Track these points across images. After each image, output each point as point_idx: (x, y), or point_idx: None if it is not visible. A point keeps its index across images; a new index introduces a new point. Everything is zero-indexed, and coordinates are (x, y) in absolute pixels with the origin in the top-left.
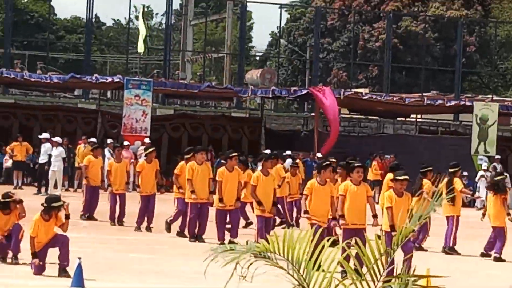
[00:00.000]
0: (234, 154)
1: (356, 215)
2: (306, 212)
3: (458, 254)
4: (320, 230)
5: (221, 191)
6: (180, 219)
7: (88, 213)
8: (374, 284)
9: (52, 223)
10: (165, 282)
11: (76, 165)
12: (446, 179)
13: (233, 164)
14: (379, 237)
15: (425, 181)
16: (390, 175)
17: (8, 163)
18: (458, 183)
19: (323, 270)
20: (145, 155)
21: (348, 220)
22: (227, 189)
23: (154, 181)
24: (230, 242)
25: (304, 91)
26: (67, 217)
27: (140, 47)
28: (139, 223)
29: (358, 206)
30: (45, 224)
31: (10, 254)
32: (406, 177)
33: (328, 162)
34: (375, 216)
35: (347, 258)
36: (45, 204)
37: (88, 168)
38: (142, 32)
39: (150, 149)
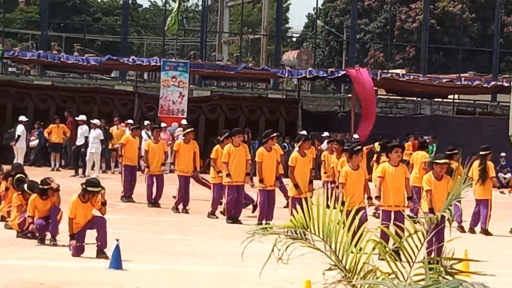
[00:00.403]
0: (274, 134)
1: (394, 196)
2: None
3: (490, 234)
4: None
5: (261, 172)
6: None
7: (129, 193)
8: (410, 265)
9: (90, 206)
10: (202, 263)
11: (110, 146)
12: (477, 162)
13: (272, 144)
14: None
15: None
16: (421, 153)
17: (33, 142)
18: (491, 168)
19: (359, 250)
20: (183, 135)
21: (386, 202)
22: (267, 170)
23: (191, 162)
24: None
25: (341, 73)
26: (103, 203)
27: (169, 30)
28: (177, 203)
29: (396, 187)
30: (83, 205)
31: (49, 235)
32: (446, 160)
33: (359, 147)
34: (409, 198)
35: (384, 239)
36: (84, 186)
37: (125, 147)
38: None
39: (188, 129)
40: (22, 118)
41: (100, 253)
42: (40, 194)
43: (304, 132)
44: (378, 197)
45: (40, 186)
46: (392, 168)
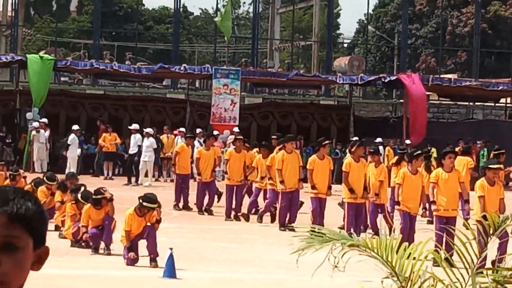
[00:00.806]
0: (326, 142)
1: (448, 202)
2: (397, 203)
3: None
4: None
5: (312, 180)
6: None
7: (182, 202)
8: (468, 273)
9: (145, 220)
10: (256, 271)
11: (161, 155)
12: None
13: (324, 152)
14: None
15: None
16: (466, 158)
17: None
18: None
19: (414, 258)
20: (233, 143)
21: (439, 207)
22: (319, 177)
23: (241, 171)
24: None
25: (393, 78)
26: (158, 221)
27: (225, 29)
28: (227, 213)
29: (450, 193)
30: (138, 219)
31: (103, 245)
32: (500, 165)
33: (419, 152)
34: (467, 201)
35: (441, 245)
36: (141, 201)
37: (179, 155)
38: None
39: (237, 137)
40: (75, 127)
41: (152, 262)
42: (94, 204)
43: (355, 138)
44: (433, 202)
45: (94, 196)
46: (445, 174)
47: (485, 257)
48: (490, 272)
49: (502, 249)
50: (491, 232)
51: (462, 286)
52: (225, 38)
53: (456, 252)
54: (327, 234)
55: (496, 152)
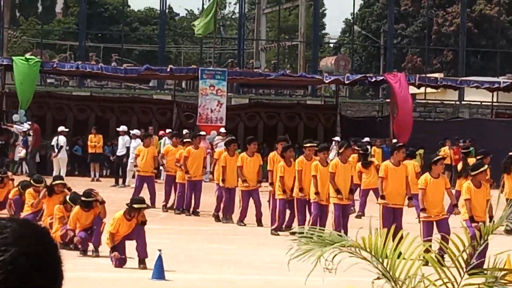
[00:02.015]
0: (346, 144)
1: (434, 208)
2: (382, 197)
3: None
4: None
5: (300, 181)
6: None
7: (171, 202)
8: (460, 276)
9: (133, 223)
10: (245, 272)
11: None
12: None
13: (347, 156)
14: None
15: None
16: (408, 162)
17: (21, 153)
18: None
19: (404, 258)
20: (226, 147)
21: (428, 213)
22: (306, 179)
23: (235, 175)
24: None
25: (379, 78)
26: (143, 223)
27: (205, 29)
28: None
29: (436, 198)
30: (127, 223)
31: (91, 246)
32: (486, 167)
33: (401, 144)
34: (455, 205)
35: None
36: (130, 205)
37: (167, 156)
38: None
39: (229, 139)
40: (62, 128)
41: (141, 263)
42: (84, 207)
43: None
44: (423, 210)
45: (84, 199)
46: (432, 179)
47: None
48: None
49: (481, 254)
50: (484, 236)
51: (455, 287)
52: (197, 33)
53: (449, 254)
54: (322, 237)
55: (480, 157)
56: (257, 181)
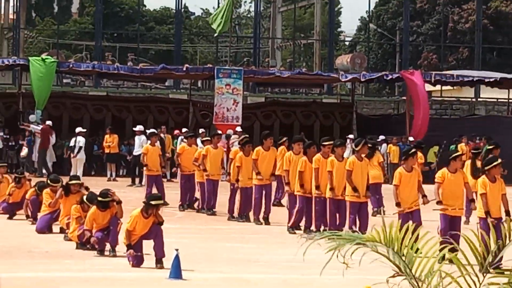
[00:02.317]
0: (362, 141)
1: (453, 203)
2: (398, 204)
3: None
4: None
5: (317, 179)
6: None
7: (187, 202)
8: (483, 275)
9: (150, 221)
10: (264, 271)
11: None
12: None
13: (363, 153)
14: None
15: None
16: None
17: (23, 152)
18: None
19: (420, 255)
20: (241, 147)
21: (446, 206)
22: (323, 176)
23: (250, 173)
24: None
25: (395, 75)
26: (160, 223)
27: (220, 27)
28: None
29: (455, 193)
30: (144, 221)
31: (108, 246)
32: (500, 161)
33: (414, 150)
34: (472, 200)
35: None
36: (146, 202)
37: (181, 156)
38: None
39: (245, 140)
40: (80, 129)
41: (158, 263)
42: (100, 207)
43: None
44: (439, 202)
45: (100, 199)
46: (450, 174)
47: (501, 258)
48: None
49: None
50: (508, 236)
51: (477, 286)
52: (216, 30)
53: (473, 252)
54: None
55: (490, 147)
56: (271, 175)
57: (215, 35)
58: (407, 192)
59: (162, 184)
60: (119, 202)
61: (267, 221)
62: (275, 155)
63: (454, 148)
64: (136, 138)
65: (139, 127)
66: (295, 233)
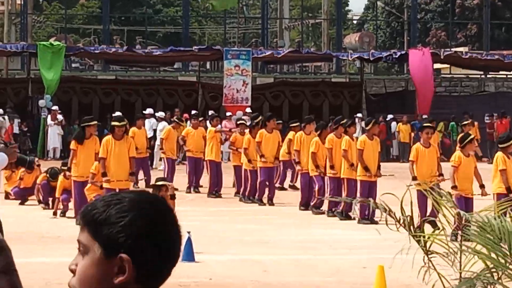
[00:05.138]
0: (371, 121)
1: (468, 186)
2: (414, 178)
3: None
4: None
5: (362, 160)
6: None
7: (194, 184)
8: None
9: None
10: (276, 252)
11: None
12: None
13: (374, 131)
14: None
15: None
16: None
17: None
18: None
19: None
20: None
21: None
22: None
23: (274, 151)
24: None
25: (403, 52)
26: (172, 197)
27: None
28: (260, 195)
29: (469, 176)
30: None
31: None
32: (472, 136)
33: (472, 136)
34: (482, 186)
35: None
36: (153, 183)
37: (188, 138)
38: None
39: (259, 119)
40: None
41: None
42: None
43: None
44: (454, 187)
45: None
46: (464, 158)
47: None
48: None
49: None
50: None
51: None
52: (216, 8)
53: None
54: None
55: (464, 123)
56: (275, 158)
57: (213, 7)
58: (466, 177)
59: (147, 166)
60: (173, 197)
61: (271, 203)
62: (279, 138)
63: (455, 126)
64: (146, 121)
65: (149, 110)
66: (321, 212)
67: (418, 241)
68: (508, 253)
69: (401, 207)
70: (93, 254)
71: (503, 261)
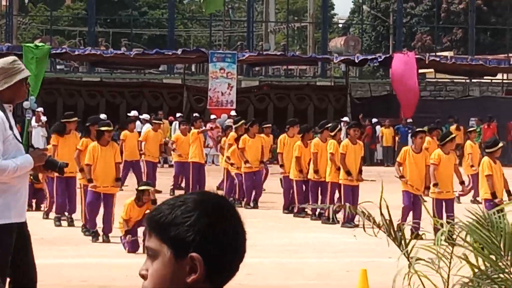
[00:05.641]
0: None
1: (448, 185)
2: (402, 177)
3: None
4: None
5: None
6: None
7: (178, 186)
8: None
9: (144, 209)
10: (260, 255)
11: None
12: None
13: (356, 136)
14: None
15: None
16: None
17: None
18: None
19: None
20: (234, 129)
21: (440, 189)
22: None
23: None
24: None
25: (387, 56)
26: (153, 202)
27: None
28: (247, 201)
29: (449, 175)
30: (137, 209)
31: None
32: (501, 144)
33: (453, 135)
34: (462, 182)
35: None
36: (137, 188)
37: (177, 144)
38: None
39: (239, 123)
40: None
41: None
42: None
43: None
44: (435, 185)
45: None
46: (444, 156)
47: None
48: None
49: None
50: None
51: None
52: (205, 11)
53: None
54: None
55: (431, 128)
56: (260, 163)
57: (204, 12)
58: (445, 176)
59: (139, 169)
60: (154, 203)
61: (256, 205)
62: (262, 142)
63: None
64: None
65: (133, 113)
66: (305, 216)
67: (399, 246)
68: (502, 254)
69: (381, 212)
70: (163, 257)
71: (495, 260)
